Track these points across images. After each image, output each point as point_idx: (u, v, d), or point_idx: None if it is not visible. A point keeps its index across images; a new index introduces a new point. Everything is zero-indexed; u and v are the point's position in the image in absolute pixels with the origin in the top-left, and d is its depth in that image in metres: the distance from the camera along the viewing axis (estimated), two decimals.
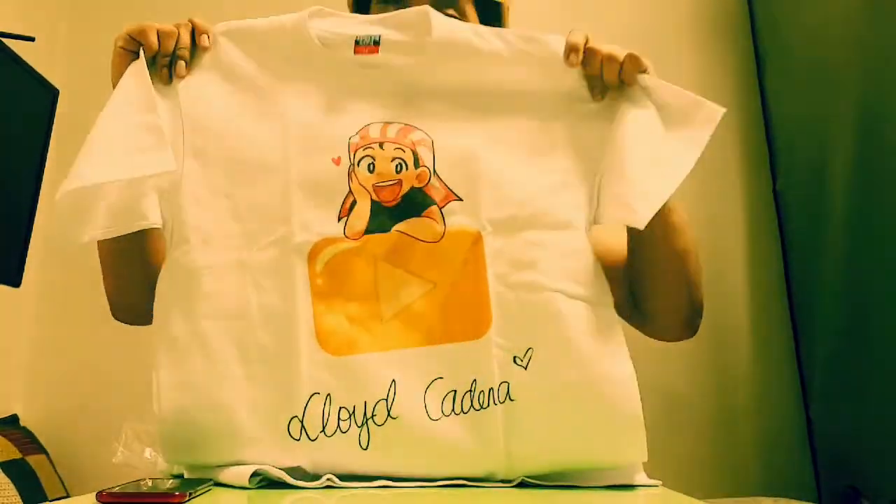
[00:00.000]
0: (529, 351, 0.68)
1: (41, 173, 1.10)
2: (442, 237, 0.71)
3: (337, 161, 0.72)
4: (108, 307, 0.92)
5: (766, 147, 1.76)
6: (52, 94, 1.11)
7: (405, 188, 0.72)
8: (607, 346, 0.70)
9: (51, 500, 1.48)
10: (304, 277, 0.69)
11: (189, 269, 0.70)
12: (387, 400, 0.66)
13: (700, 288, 0.88)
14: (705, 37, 1.83)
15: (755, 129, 1.77)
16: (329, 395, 0.66)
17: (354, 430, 0.66)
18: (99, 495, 0.55)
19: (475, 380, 0.67)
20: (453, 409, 0.67)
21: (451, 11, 0.86)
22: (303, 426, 0.66)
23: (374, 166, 0.72)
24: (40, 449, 1.61)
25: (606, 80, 0.75)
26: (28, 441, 1.59)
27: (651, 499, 0.76)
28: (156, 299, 0.72)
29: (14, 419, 1.66)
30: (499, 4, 0.96)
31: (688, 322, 0.90)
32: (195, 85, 0.77)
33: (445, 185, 0.72)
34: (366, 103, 0.75)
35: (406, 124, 0.74)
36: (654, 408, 1.61)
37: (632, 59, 0.76)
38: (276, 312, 0.69)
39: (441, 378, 0.67)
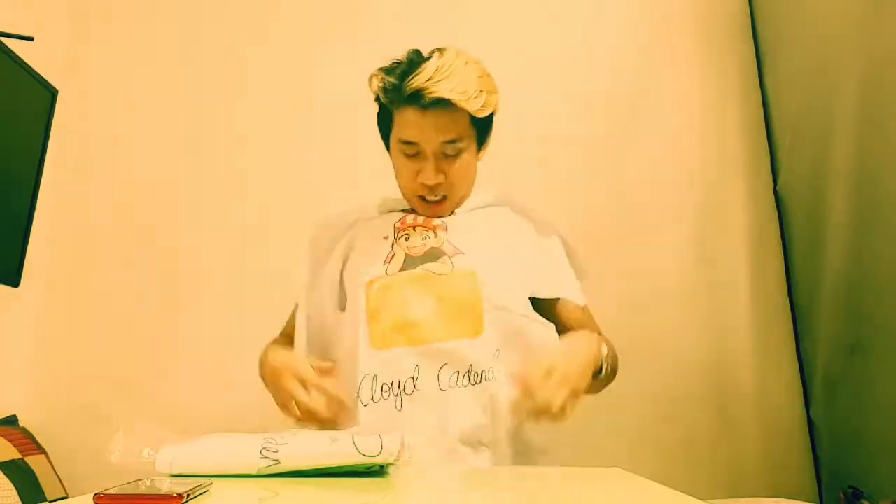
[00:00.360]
0: (498, 350, 1.05)
1: (40, 173, 1.10)
2: (451, 271, 1.10)
3: (386, 237, 1.17)
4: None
5: (766, 147, 1.76)
6: (51, 94, 1.11)
7: (428, 248, 1.14)
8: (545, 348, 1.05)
9: (50, 501, 1.48)
10: (363, 301, 1.08)
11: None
12: (413, 378, 1.02)
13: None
14: (706, 37, 1.83)
15: (756, 128, 1.77)
16: (375, 375, 1.03)
17: (392, 398, 1.01)
18: (97, 497, 0.54)
19: (471, 364, 1.03)
20: (458, 384, 1.02)
21: (453, 149, 1.13)
22: (359, 396, 1.02)
23: (409, 238, 1.16)
24: (39, 449, 1.61)
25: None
26: (27, 441, 1.59)
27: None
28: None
29: (13, 419, 1.66)
30: (490, 116, 1.18)
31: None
32: None
33: (454, 245, 1.13)
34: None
35: (430, 218, 1.19)
36: (655, 408, 1.62)
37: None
38: (349, 323, 1.10)
39: (448, 364, 1.02)
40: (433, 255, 1.11)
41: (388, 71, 1.12)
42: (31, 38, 1.05)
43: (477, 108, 1.08)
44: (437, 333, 1.03)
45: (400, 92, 1.09)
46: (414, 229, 1.16)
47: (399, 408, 0.99)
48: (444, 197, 1.16)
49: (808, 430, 1.60)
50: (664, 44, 1.82)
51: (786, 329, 1.66)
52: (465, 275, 1.08)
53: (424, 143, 1.11)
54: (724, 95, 1.79)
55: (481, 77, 1.11)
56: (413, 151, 1.13)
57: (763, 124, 1.77)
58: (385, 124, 1.18)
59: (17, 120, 1.06)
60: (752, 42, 1.82)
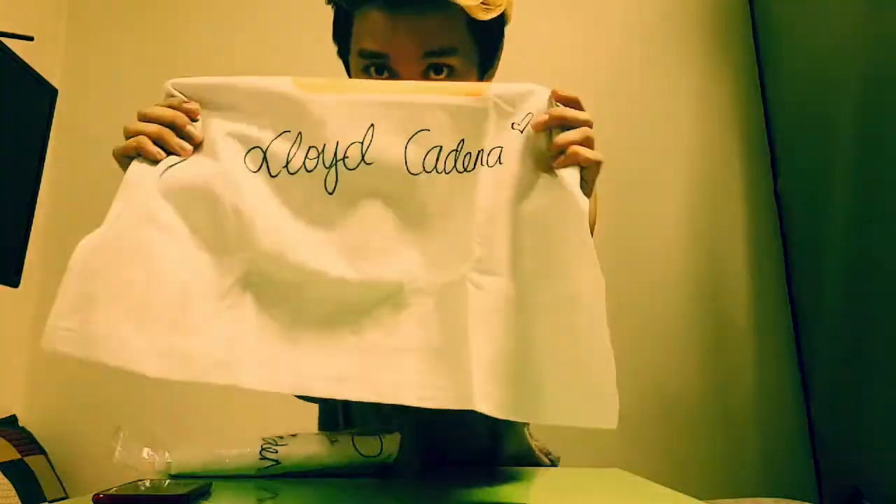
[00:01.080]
0: (528, 116, 0.63)
1: (40, 173, 1.10)
2: None
3: None
4: None
5: (766, 148, 1.76)
6: (50, 93, 1.11)
7: None
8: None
9: (49, 501, 1.48)
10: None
11: None
12: (362, 143, 0.61)
13: None
14: (706, 37, 1.82)
15: (756, 129, 1.77)
16: (300, 132, 0.62)
17: (321, 170, 0.61)
18: (96, 497, 0.54)
19: (463, 140, 0.62)
20: (435, 167, 0.62)
21: (441, 63, 0.74)
22: (265, 159, 0.62)
23: None
24: (39, 450, 1.61)
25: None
26: (27, 442, 1.59)
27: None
28: None
29: (13, 420, 1.66)
30: (501, 14, 0.79)
31: None
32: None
33: None
34: None
35: None
36: (655, 409, 1.62)
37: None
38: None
39: (427, 130, 0.62)
40: None
41: None
42: (30, 38, 1.05)
43: (476, 2, 0.72)
44: (412, 87, 0.66)
45: None
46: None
47: (331, 189, 0.61)
48: None
49: (808, 430, 1.60)
50: (664, 44, 1.82)
51: (786, 329, 1.66)
52: None
53: (396, 58, 0.73)
54: (724, 96, 1.79)
55: None
56: (380, 64, 0.74)
57: (763, 125, 1.77)
58: (343, 35, 0.82)
59: (17, 120, 1.06)
60: (752, 42, 1.82)
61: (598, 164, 0.64)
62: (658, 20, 1.84)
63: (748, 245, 1.71)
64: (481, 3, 0.73)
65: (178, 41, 1.91)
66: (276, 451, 0.71)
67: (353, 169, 0.61)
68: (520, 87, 0.64)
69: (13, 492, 1.40)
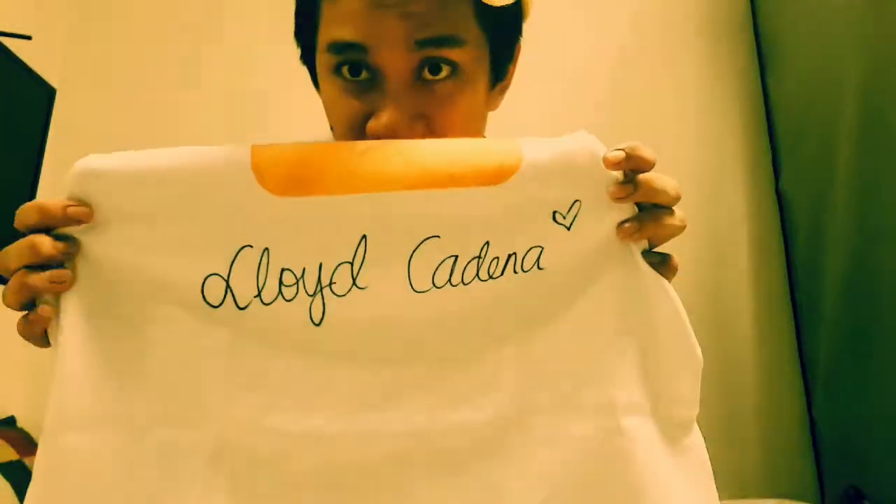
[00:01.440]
0: (576, 204, 0.47)
1: (38, 172, 1.10)
2: None
3: None
4: None
5: (768, 146, 1.76)
6: (48, 93, 1.10)
7: None
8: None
9: None
10: None
11: None
12: (352, 263, 0.46)
13: None
14: (707, 37, 1.82)
15: (758, 128, 1.77)
16: (267, 249, 0.45)
17: (304, 298, 0.46)
18: None
19: (488, 242, 0.46)
20: (450, 280, 0.46)
21: (442, 66, 0.55)
22: (228, 288, 0.45)
23: None
24: None
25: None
26: (26, 442, 1.59)
27: None
28: None
29: (11, 420, 1.65)
30: (517, 6, 0.65)
31: None
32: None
33: None
34: None
35: None
36: None
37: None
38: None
39: (437, 237, 0.46)
40: None
41: None
42: (28, 37, 1.04)
43: None
44: (416, 170, 0.46)
45: None
46: None
47: (317, 321, 0.46)
48: None
49: (809, 430, 1.60)
50: (665, 43, 1.82)
51: (787, 328, 1.66)
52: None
53: (378, 47, 0.54)
54: (725, 95, 1.79)
55: None
56: (355, 59, 0.55)
57: (765, 123, 1.77)
58: (308, 29, 0.63)
59: (16, 119, 1.06)
60: (753, 41, 1.81)
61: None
62: (659, 20, 1.84)
63: (750, 244, 1.71)
64: None
65: (178, 41, 1.90)
66: None
67: (343, 296, 0.46)
68: (559, 151, 0.47)
69: (11, 493, 1.40)
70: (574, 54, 1.83)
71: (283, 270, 0.46)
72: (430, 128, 0.55)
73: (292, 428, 0.45)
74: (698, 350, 0.52)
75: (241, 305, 0.46)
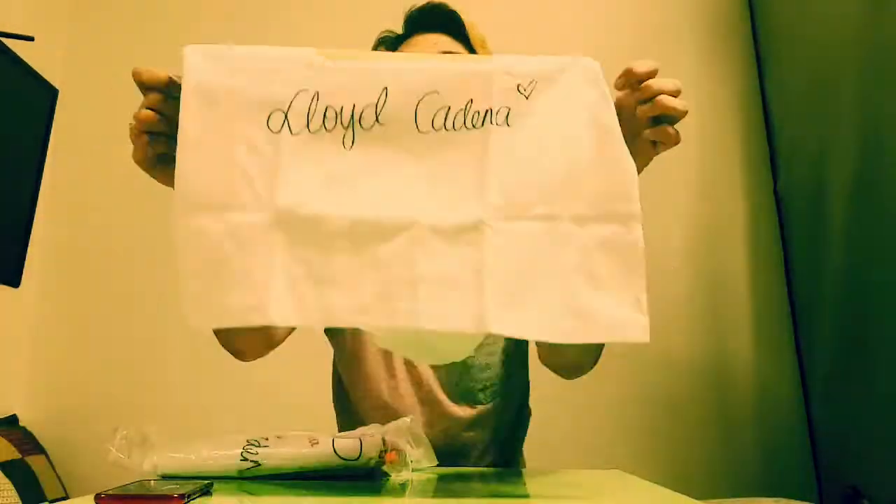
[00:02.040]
0: (533, 83, 0.69)
1: (41, 173, 1.10)
2: None
3: None
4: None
5: (766, 147, 1.76)
6: (51, 93, 1.11)
7: None
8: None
9: (50, 501, 1.48)
10: None
11: None
12: (376, 105, 0.67)
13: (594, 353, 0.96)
14: (706, 37, 1.83)
15: (756, 129, 1.77)
16: (317, 92, 0.67)
17: (340, 130, 0.67)
18: (98, 497, 0.54)
19: (471, 99, 0.67)
20: (444, 125, 0.67)
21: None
22: (286, 119, 0.66)
23: None
24: (39, 449, 1.61)
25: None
26: (27, 442, 1.59)
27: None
28: None
29: (13, 420, 1.66)
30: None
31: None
32: None
33: None
34: None
35: None
36: (656, 408, 1.62)
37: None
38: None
39: (436, 93, 0.67)
40: None
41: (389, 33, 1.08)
42: (31, 38, 1.05)
43: (479, 37, 1.02)
44: (427, 55, 0.79)
45: (402, 31, 1.04)
46: None
47: (349, 146, 0.67)
48: None
49: (808, 429, 1.60)
50: (664, 43, 1.83)
51: (786, 328, 1.66)
52: None
53: (423, 52, 0.98)
54: (724, 96, 1.80)
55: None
56: None
57: (763, 124, 1.78)
58: None
59: (18, 120, 1.06)
60: (752, 43, 1.82)
61: (677, 136, 0.75)
62: (658, 20, 1.84)
63: (748, 244, 1.71)
64: (482, 42, 1.01)
65: (179, 42, 1.91)
66: (257, 453, 0.71)
67: (369, 129, 0.67)
68: (528, 62, 0.69)
69: (13, 491, 1.40)
70: (573, 54, 1.83)
71: (326, 108, 0.66)
72: None
73: (328, 211, 0.65)
74: (629, 157, 0.68)
75: (294, 132, 0.66)
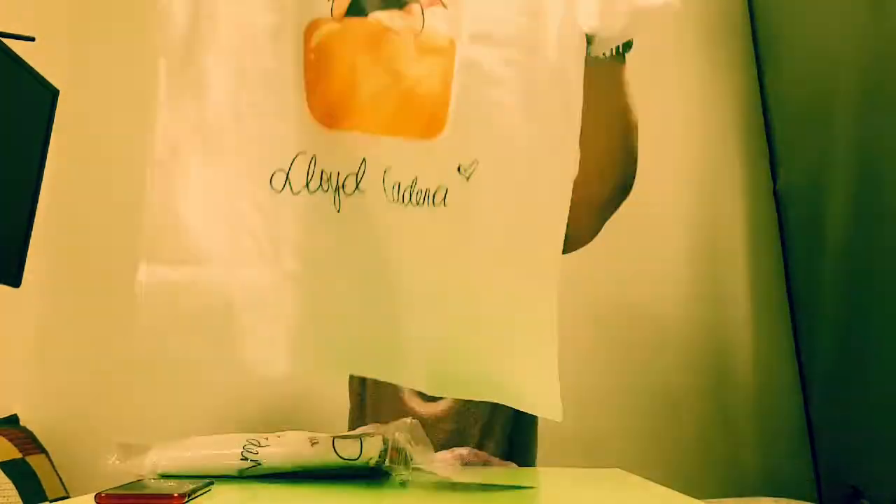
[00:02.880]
0: (475, 164, 0.71)
1: (41, 173, 1.10)
2: (418, 35, 0.73)
3: None
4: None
5: (766, 147, 1.76)
6: (52, 94, 1.11)
7: None
8: (551, 186, 0.72)
9: (51, 501, 1.48)
10: (299, 48, 0.73)
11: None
12: (357, 175, 0.72)
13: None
14: (705, 37, 1.83)
15: (755, 128, 1.77)
16: (315, 157, 0.71)
17: (331, 192, 0.72)
18: (98, 496, 0.55)
19: (416, 178, 0.71)
20: (401, 198, 0.71)
21: None
22: (287, 179, 0.71)
23: None
24: (40, 449, 1.61)
25: None
26: (28, 441, 1.59)
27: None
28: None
29: (14, 419, 1.66)
30: None
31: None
32: None
33: None
34: None
35: None
36: (655, 407, 1.62)
37: None
38: (270, 71, 0.73)
39: (392, 168, 0.71)
40: None
41: None
42: (32, 39, 1.05)
43: None
44: (385, 122, 0.73)
45: None
46: None
47: (338, 208, 0.71)
48: None
49: (807, 429, 1.60)
50: (663, 43, 1.82)
51: (785, 328, 1.66)
52: (439, 42, 0.73)
53: None
54: (723, 95, 1.79)
55: None
56: None
57: (763, 124, 1.77)
58: None
59: (18, 120, 1.06)
60: (751, 41, 1.82)
61: None
62: (656, 18, 1.84)
63: (747, 244, 1.71)
64: None
65: None
66: (257, 452, 0.71)
67: (351, 195, 0.72)
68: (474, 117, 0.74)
69: (14, 491, 1.40)
70: None
71: (322, 171, 0.71)
72: None
73: (326, 269, 0.71)
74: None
75: (295, 191, 0.71)
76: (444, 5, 0.74)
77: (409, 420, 0.80)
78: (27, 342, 1.77)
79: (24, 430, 1.64)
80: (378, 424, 0.83)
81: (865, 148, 1.33)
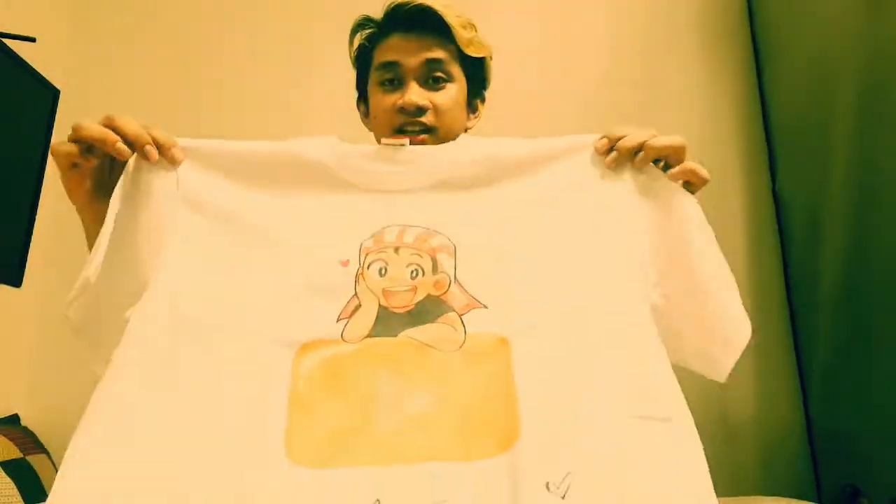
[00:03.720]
0: (568, 476, 0.54)
1: (42, 174, 1.11)
2: (462, 345, 0.61)
3: (345, 263, 0.64)
4: None
5: (765, 147, 1.76)
6: (52, 94, 1.11)
7: (419, 296, 0.64)
8: (679, 477, 0.59)
9: None
10: (285, 378, 0.58)
11: (156, 327, 0.61)
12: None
13: None
14: (705, 37, 1.83)
15: (754, 129, 1.77)
16: None
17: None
18: None
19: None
20: None
21: (439, 74, 0.95)
22: None
23: (385, 270, 0.65)
24: (41, 449, 1.61)
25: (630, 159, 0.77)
26: (29, 441, 1.59)
27: None
28: (113, 357, 0.63)
29: (15, 419, 1.66)
30: (482, 59, 1.01)
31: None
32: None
33: (467, 292, 0.64)
34: (382, 206, 0.68)
35: (426, 228, 0.67)
36: None
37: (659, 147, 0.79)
38: (242, 406, 0.57)
39: (446, 502, 0.52)
40: (427, 312, 0.63)
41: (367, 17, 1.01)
42: (32, 39, 1.05)
43: (466, 37, 0.93)
44: (426, 447, 0.56)
45: (384, 19, 0.96)
46: (396, 251, 0.66)
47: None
48: (430, 129, 0.92)
49: (806, 428, 1.61)
50: (662, 44, 1.83)
51: (784, 328, 1.66)
52: (489, 344, 0.61)
53: (405, 61, 0.93)
54: (722, 95, 1.80)
55: (474, 25, 0.98)
56: (391, 76, 0.94)
57: (762, 124, 1.78)
58: (363, 79, 1.02)
59: (19, 120, 1.06)
60: (750, 41, 1.82)
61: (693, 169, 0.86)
62: (655, 19, 1.84)
63: (746, 244, 1.71)
64: (471, 38, 0.95)
65: (180, 42, 1.91)
66: None
67: None
68: (559, 422, 0.58)
69: (15, 490, 1.40)
70: (571, 55, 1.83)
71: None
72: (434, 112, 0.92)
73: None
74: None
75: None
76: (485, 305, 0.63)
77: None
78: (27, 342, 1.77)
79: (25, 429, 1.64)
80: None
81: (865, 148, 1.33)
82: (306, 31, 1.89)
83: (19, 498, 1.40)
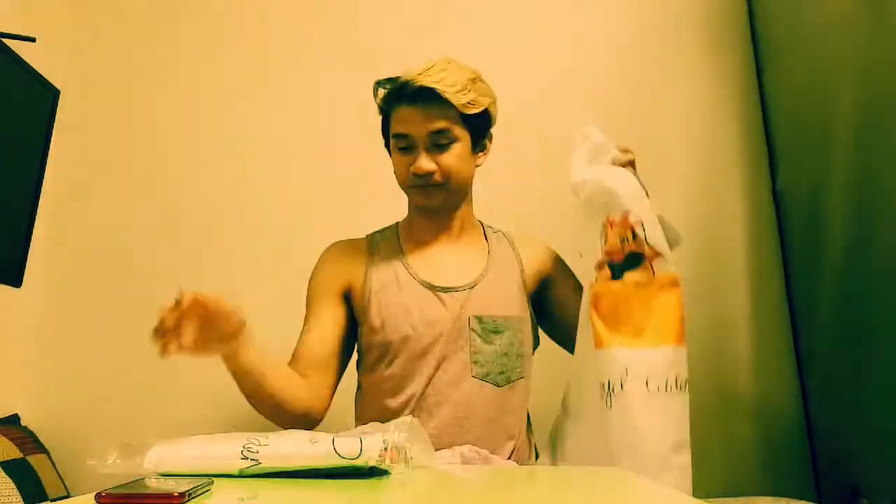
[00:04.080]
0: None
1: (42, 174, 1.10)
2: (653, 279, 1.07)
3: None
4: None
5: (765, 147, 1.76)
6: (52, 94, 1.11)
7: (627, 251, 1.08)
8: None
9: (51, 500, 1.49)
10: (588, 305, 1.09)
11: None
12: (621, 382, 1.02)
13: None
14: (705, 37, 1.83)
15: (755, 129, 1.77)
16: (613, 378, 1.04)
17: (607, 398, 1.08)
18: (98, 496, 0.55)
19: (678, 373, 1.11)
20: (664, 391, 1.08)
21: (443, 140, 1.15)
22: (611, 391, 1.07)
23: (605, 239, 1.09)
24: (41, 448, 1.61)
25: None
26: (29, 441, 1.59)
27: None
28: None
29: (15, 419, 1.66)
30: (485, 111, 1.18)
31: None
32: None
33: (652, 246, 1.07)
34: None
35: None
36: None
37: None
38: None
39: (653, 370, 1.06)
40: (634, 259, 1.08)
41: (388, 79, 1.19)
42: (32, 39, 1.05)
43: (462, 102, 1.12)
44: (644, 338, 1.06)
45: (394, 92, 1.16)
46: (611, 227, 1.11)
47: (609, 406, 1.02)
48: (440, 185, 1.17)
49: (805, 428, 1.61)
50: (664, 46, 1.83)
51: (784, 328, 1.66)
52: (668, 283, 1.08)
53: (414, 133, 1.15)
54: (723, 96, 1.80)
55: (473, 80, 1.16)
56: (405, 144, 1.17)
57: (762, 125, 1.78)
58: (386, 130, 1.23)
59: (19, 120, 1.06)
60: (751, 43, 1.82)
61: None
62: (657, 20, 1.84)
63: (747, 244, 1.71)
64: (467, 103, 1.13)
65: (181, 43, 1.91)
66: (257, 452, 0.71)
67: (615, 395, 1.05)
68: None
69: (15, 490, 1.40)
70: (572, 57, 1.83)
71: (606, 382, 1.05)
72: (441, 167, 1.16)
73: None
74: None
75: (609, 404, 1.06)
76: (662, 254, 1.07)
77: (408, 419, 0.80)
78: (27, 342, 1.77)
79: (25, 429, 1.64)
80: (378, 423, 0.83)
81: (865, 148, 1.33)
82: (306, 31, 1.89)
83: (19, 498, 1.40)
